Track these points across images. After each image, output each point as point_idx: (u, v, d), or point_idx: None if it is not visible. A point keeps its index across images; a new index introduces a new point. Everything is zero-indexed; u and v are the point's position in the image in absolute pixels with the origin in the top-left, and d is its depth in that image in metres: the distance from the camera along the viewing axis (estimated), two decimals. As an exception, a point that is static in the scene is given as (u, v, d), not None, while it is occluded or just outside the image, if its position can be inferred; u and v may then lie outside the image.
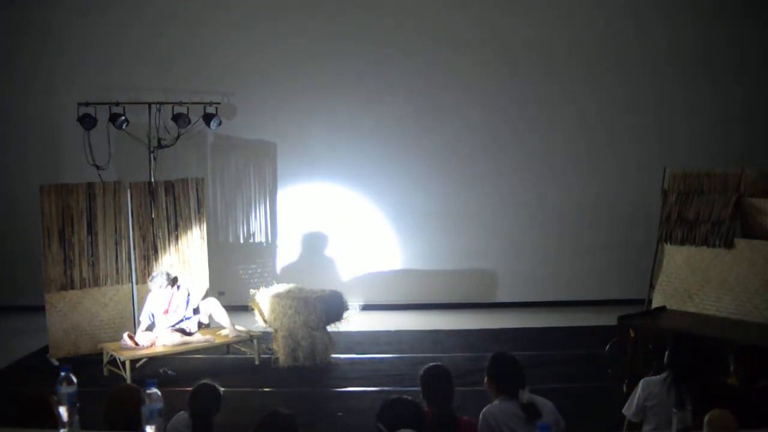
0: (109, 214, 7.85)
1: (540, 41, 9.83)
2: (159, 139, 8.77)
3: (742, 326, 6.17)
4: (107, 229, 7.84)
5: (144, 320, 7.36)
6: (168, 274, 7.36)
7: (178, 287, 7.47)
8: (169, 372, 7.11)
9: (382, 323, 9.05)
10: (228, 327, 7.49)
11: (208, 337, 7.41)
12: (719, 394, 3.88)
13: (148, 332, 7.25)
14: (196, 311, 7.55)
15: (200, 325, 7.57)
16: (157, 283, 7.25)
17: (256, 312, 7.77)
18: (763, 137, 9.70)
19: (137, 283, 7.91)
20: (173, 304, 7.43)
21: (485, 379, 3.84)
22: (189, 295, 7.55)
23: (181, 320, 7.41)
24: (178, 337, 7.24)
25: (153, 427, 2.65)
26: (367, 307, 9.64)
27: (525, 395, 3.66)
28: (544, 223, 9.99)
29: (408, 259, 10.09)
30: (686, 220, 6.92)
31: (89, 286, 7.76)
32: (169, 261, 8.12)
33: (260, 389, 6.82)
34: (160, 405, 2.66)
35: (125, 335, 7.12)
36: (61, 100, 9.39)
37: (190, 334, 7.38)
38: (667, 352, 4.11)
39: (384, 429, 3.21)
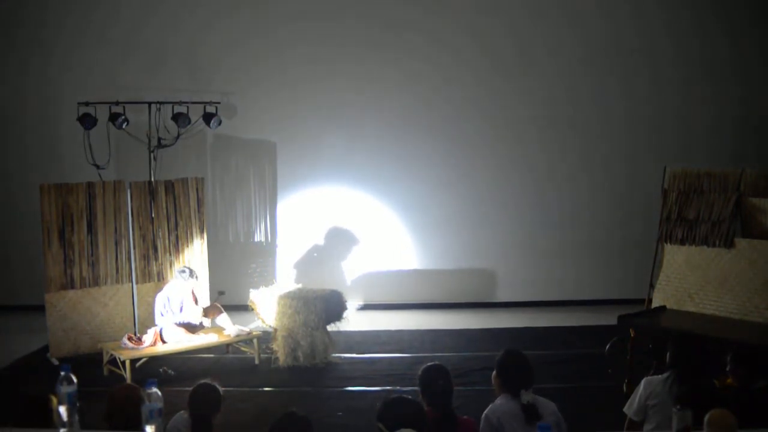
0: (109, 214, 7.85)
1: (541, 42, 9.83)
2: (159, 139, 8.76)
3: (742, 326, 6.17)
4: (107, 229, 7.84)
5: (159, 319, 7.34)
6: (191, 269, 7.53)
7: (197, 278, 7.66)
8: (169, 371, 7.11)
9: (382, 323, 9.05)
10: (228, 327, 7.50)
11: (210, 336, 7.41)
12: (719, 394, 3.89)
13: (152, 328, 7.29)
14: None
15: (201, 325, 7.59)
16: (184, 278, 7.40)
17: (257, 312, 7.78)
18: (763, 137, 9.71)
19: (137, 283, 7.91)
20: (196, 296, 7.59)
21: (493, 372, 3.84)
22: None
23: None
24: (182, 333, 7.25)
25: (153, 426, 2.65)
26: (367, 307, 9.68)
27: (526, 396, 3.66)
28: (544, 223, 9.98)
29: (408, 259, 10.09)
30: (686, 220, 6.92)
31: (89, 286, 7.76)
32: (169, 260, 8.13)
33: (260, 389, 6.83)
34: (160, 404, 2.66)
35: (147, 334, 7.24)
36: (60, 99, 9.39)
37: (193, 329, 7.40)
38: (669, 352, 4.12)
39: (384, 428, 3.21)
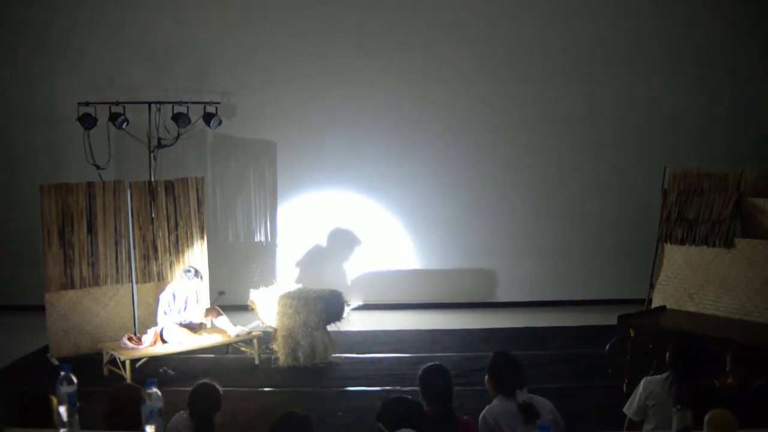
0: (109, 214, 7.85)
1: (540, 42, 9.82)
2: (159, 139, 8.75)
3: (742, 326, 6.17)
4: (107, 229, 7.83)
5: (162, 318, 7.35)
6: (196, 269, 7.53)
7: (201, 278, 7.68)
8: (170, 371, 7.11)
9: (381, 323, 9.04)
10: (228, 328, 7.51)
11: (210, 336, 7.42)
12: (719, 394, 3.89)
13: (152, 328, 7.30)
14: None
15: (202, 325, 7.60)
16: (189, 277, 7.42)
17: (256, 312, 7.78)
18: (763, 137, 9.70)
19: (137, 283, 7.91)
20: (199, 296, 7.62)
21: (486, 376, 3.85)
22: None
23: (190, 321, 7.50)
24: (183, 334, 7.25)
25: (153, 426, 2.65)
26: (367, 307, 9.67)
27: (522, 395, 3.66)
28: (544, 223, 9.98)
29: (408, 259, 10.09)
30: (686, 220, 6.93)
31: (89, 286, 7.75)
32: (169, 260, 8.13)
33: (260, 389, 6.83)
34: (160, 404, 2.66)
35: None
36: (61, 99, 9.39)
37: (194, 329, 7.40)
38: (668, 352, 4.12)
39: (384, 428, 3.21)
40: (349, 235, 10.04)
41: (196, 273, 7.50)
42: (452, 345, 8.13)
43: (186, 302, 7.45)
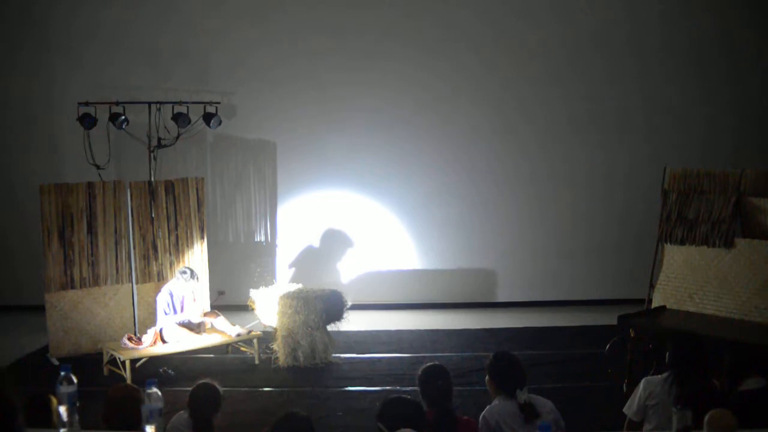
0: (109, 214, 7.85)
1: (542, 41, 9.82)
2: (159, 139, 8.76)
3: (742, 326, 6.17)
4: (107, 229, 7.84)
5: (163, 318, 7.34)
6: (192, 270, 7.53)
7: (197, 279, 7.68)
8: (169, 372, 7.11)
9: (381, 323, 9.05)
10: (228, 328, 7.51)
11: (210, 336, 7.42)
12: (719, 394, 3.89)
13: (152, 328, 7.30)
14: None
15: (201, 325, 7.59)
16: (186, 278, 7.41)
17: (256, 312, 7.78)
18: (763, 136, 9.71)
19: (137, 283, 7.91)
20: (195, 295, 7.63)
21: (486, 377, 3.86)
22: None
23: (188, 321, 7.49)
24: (185, 334, 7.26)
25: (153, 426, 2.64)
26: (367, 307, 9.66)
27: (523, 395, 3.66)
28: (544, 223, 9.98)
29: (408, 259, 10.09)
30: (686, 220, 6.93)
31: (89, 286, 7.76)
32: (169, 260, 8.13)
33: (260, 389, 6.83)
34: (160, 405, 2.66)
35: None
36: (61, 99, 9.39)
37: (194, 327, 7.40)
38: (668, 352, 4.12)
39: (384, 428, 3.21)
40: (349, 235, 10.03)
41: (192, 274, 7.49)
42: (452, 345, 8.13)
43: (183, 302, 7.45)
